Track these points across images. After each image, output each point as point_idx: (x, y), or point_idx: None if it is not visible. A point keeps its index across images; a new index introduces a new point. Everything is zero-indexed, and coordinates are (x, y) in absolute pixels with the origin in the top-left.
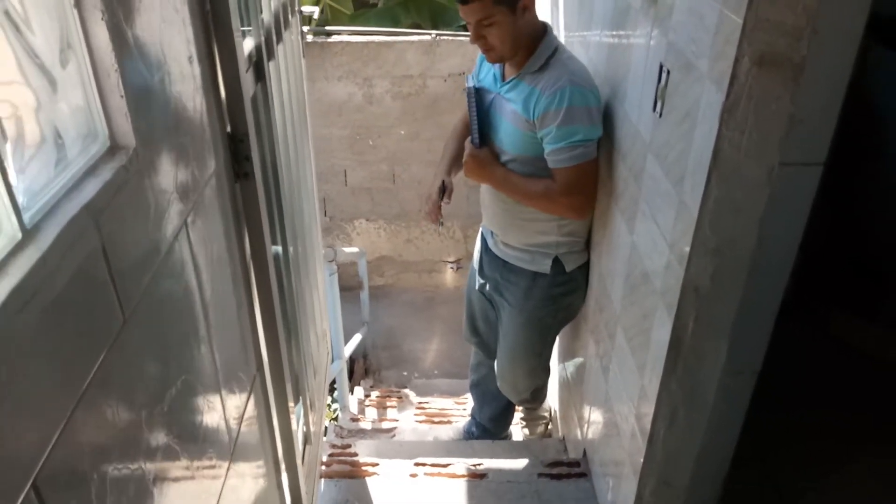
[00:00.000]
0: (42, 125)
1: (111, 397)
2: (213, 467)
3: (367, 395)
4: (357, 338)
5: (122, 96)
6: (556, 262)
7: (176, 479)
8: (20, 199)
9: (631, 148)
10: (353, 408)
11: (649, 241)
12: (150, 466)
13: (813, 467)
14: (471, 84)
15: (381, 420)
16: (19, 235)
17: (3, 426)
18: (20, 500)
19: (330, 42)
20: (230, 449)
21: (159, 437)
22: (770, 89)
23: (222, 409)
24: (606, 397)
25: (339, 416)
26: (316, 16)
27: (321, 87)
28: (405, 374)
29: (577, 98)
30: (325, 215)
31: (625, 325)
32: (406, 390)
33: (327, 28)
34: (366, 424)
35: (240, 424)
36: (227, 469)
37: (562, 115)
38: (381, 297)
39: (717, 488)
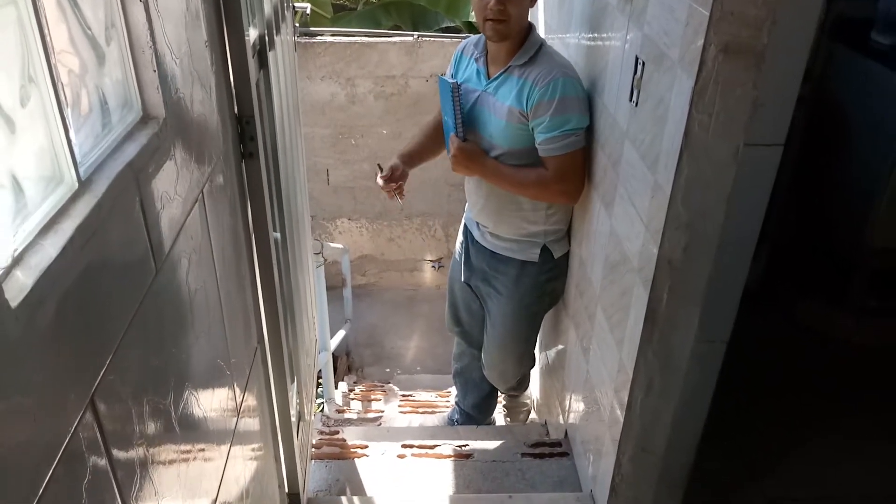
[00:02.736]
0: (92, 94)
1: (147, 338)
2: (222, 426)
3: (351, 390)
4: (340, 334)
5: (154, 71)
6: (545, 250)
7: (194, 424)
8: (77, 155)
9: (609, 137)
10: (339, 400)
11: (627, 223)
12: (173, 405)
13: (781, 447)
14: (453, 80)
15: (366, 412)
16: (76, 185)
17: (72, 344)
18: (81, 413)
19: (313, 42)
20: (235, 414)
21: (181, 385)
22: (735, 75)
23: (230, 373)
24: (587, 377)
25: (325, 408)
26: (308, 10)
27: (304, 86)
28: (388, 370)
29: (570, 88)
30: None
31: (604, 305)
32: (390, 384)
33: (311, 29)
34: (351, 415)
35: (244, 391)
36: (233, 432)
37: (555, 105)
38: (364, 296)
39: (690, 455)
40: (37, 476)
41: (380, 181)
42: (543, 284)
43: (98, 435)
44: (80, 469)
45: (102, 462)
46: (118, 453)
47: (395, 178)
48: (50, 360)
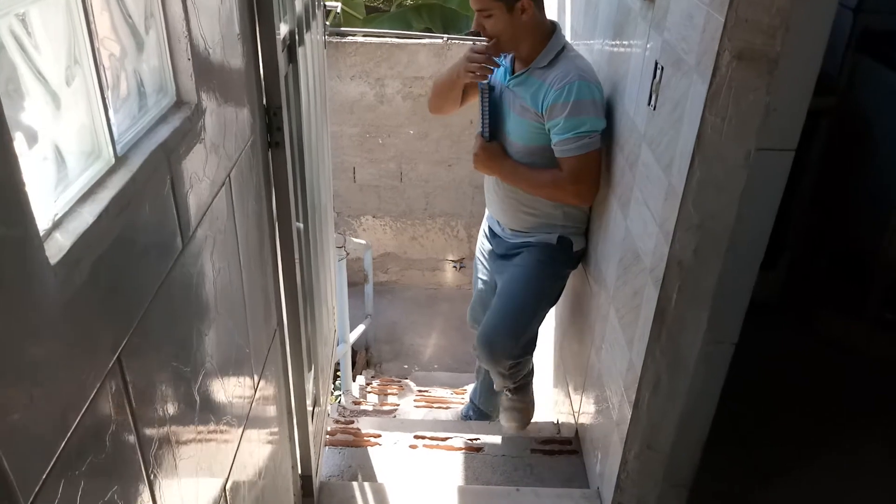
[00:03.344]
0: (130, 78)
1: (172, 307)
2: (240, 403)
3: (368, 383)
4: (360, 329)
5: (189, 59)
6: (562, 238)
7: (212, 397)
8: (115, 133)
9: (628, 140)
10: (356, 393)
11: (641, 224)
12: (193, 375)
13: (790, 454)
14: (486, 82)
15: (382, 405)
16: (113, 161)
17: (103, 303)
18: (109, 367)
19: (344, 42)
20: (252, 392)
21: (202, 356)
22: (748, 80)
23: (249, 352)
24: (598, 376)
25: (342, 399)
26: (339, 9)
27: (334, 85)
28: (406, 366)
29: (585, 92)
30: (333, 210)
31: (617, 305)
32: (407, 380)
33: (342, 29)
34: (367, 407)
35: (262, 372)
36: (250, 409)
37: (569, 108)
38: (385, 293)
39: (696, 454)
40: (65, 421)
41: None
42: (558, 267)
43: (123, 390)
44: (105, 419)
45: (126, 416)
46: (140, 410)
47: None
48: (83, 316)
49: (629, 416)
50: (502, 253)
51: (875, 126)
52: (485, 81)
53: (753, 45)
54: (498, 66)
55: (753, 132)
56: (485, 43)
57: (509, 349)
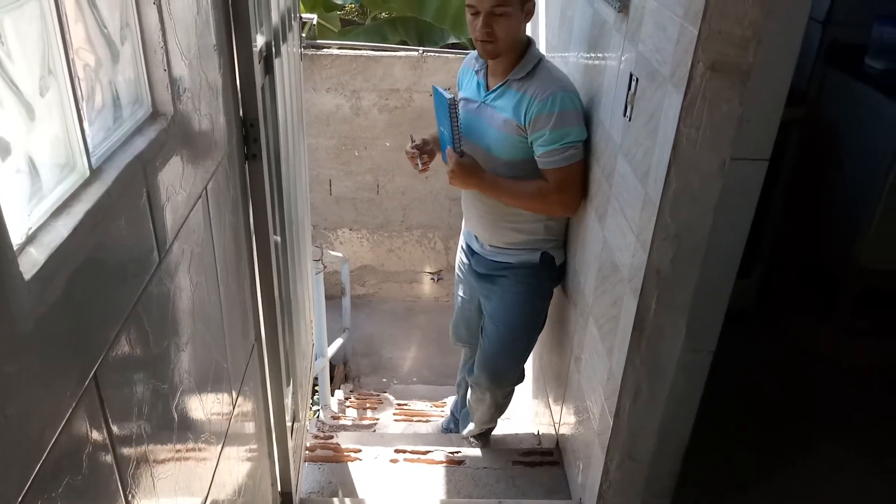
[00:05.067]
0: (105, 89)
1: (149, 322)
2: (218, 419)
3: (347, 398)
4: (338, 343)
5: (165, 70)
6: (545, 254)
7: (191, 413)
8: (90, 145)
9: (604, 151)
10: (334, 407)
11: (618, 234)
12: (171, 391)
13: (768, 460)
14: (451, 95)
15: (361, 419)
16: (87, 173)
17: (79, 319)
18: (85, 385)
19: (319, 55)
20: (231, 408)
21: (180, 373)
22: (721, 91)
23: (227, 367)
24: (578, 386)
25: (321, 414)
26: (315, 21)
27: (310, 97)
28: (384, 380)
29: (568, 102)
30: (310, 223)
31: (596, 315)
32: (385, 394)
33: (317, 41)
34: (346, 422)
35: (240, 386)
36: (228, 426)
37: (554, 119)
38: (363, 306)
39: (677, 463)
40: (41, 440)
41: (409, 149)
42: (545, 285)
43: (100, 409)
44: (81, 439)
45: (103, 435)
46: (118, 429)
47: (424, 152)
48: (58, 333)
49: (610, 426)
50: (484, 272)
51: (844, 136)
52: (450, 96)
53: (727, 56)
54: (425, 163)
55: (728, 142)
56: (413, 146)
57: (511, 374)
